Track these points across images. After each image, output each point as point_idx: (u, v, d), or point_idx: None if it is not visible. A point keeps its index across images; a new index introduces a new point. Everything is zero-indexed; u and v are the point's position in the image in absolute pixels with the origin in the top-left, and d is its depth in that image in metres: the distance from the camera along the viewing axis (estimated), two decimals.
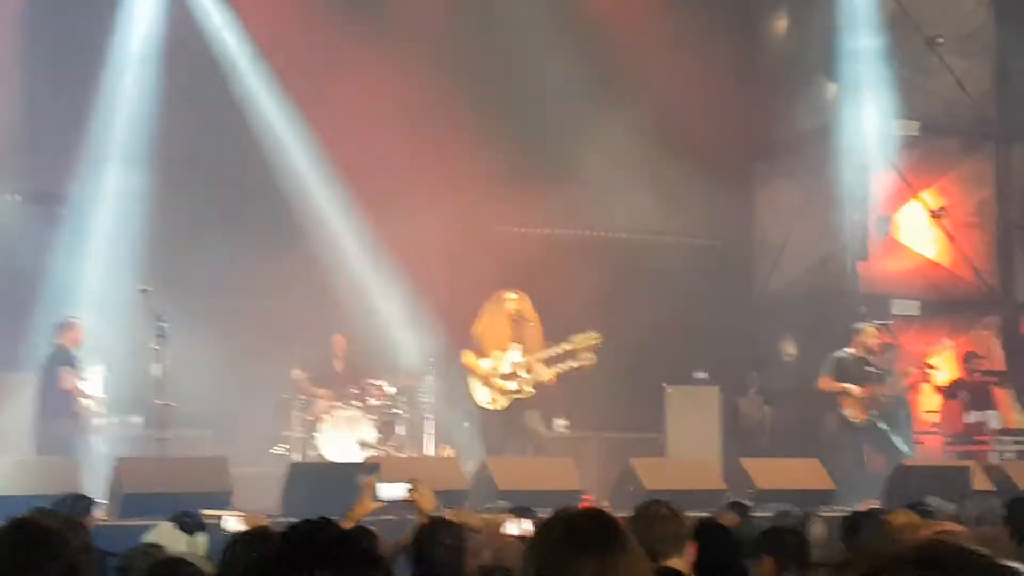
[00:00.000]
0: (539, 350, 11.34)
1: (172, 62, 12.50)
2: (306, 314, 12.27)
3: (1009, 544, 5.31)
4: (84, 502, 6.55)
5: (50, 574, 2.59)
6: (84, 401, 10.78)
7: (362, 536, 2.18)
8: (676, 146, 13.69)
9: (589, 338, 11.29)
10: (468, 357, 11.42)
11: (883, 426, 11.91)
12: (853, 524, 5.83)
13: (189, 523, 5.78)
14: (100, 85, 12.53)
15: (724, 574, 4.50)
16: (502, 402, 11.24)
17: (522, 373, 11.29)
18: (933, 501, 7.98)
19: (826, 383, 11.99)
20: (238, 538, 3.63)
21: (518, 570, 2.43)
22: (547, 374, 11.23)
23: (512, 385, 11.27)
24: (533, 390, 11.27)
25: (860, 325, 12.24)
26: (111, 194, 12.36)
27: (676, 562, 4.10)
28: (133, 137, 12.43)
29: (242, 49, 13.03)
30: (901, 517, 5.30)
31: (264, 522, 5.42)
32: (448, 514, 4.82)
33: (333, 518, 5.22)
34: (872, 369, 11.92)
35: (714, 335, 13.51)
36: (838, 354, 12.06)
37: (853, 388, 11.82)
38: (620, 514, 2.90)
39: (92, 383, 10.92)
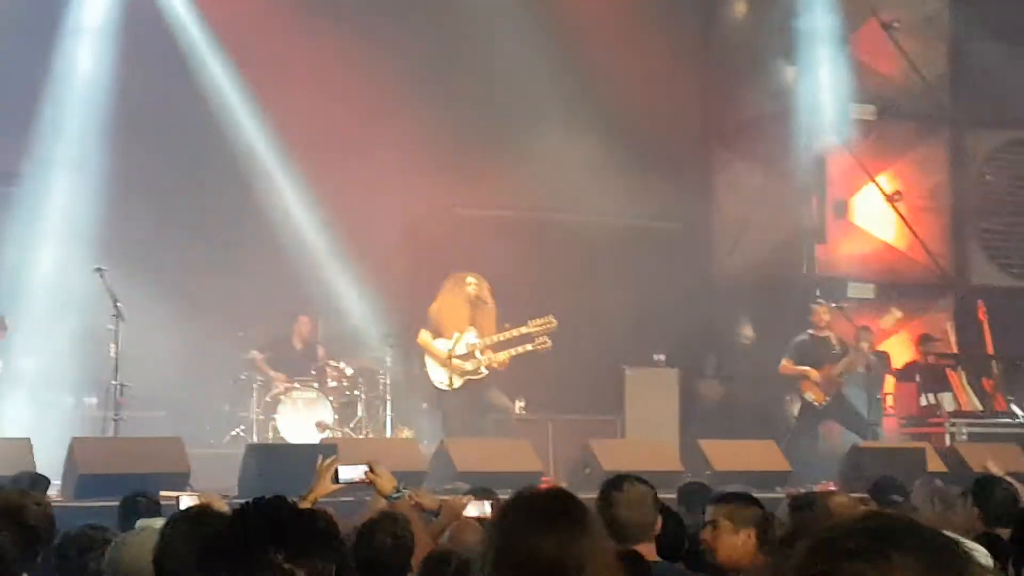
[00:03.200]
0: (493, 332, 11.42)
1: (128, 37, 12.35)
2: (264, 295, 12.21)
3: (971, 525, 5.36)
4: (40, 483, 6.49)
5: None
6: None
7: (318, 516, 2.16)
8: (635, 129, 13.70)
9: (545, 322, 11.37)
10: (423, 336, 11.46)
11: (849, 405, 12.03)
12: (798, 505, 5.86)
13: (143, 505, 5.74)
14: (54, 59, 12.36)
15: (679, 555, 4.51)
16: (457, 382, 11.28)
17: (478, 354, 11.34)
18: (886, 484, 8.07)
19: (786, 368, 12.09)
20: (178, 516, 3.58)
21: (477, 551, 2.42)
22: (502, 356, 11.30)
23: (468, 365, 11.32)
24: (486, 371, 11.34)
25: (812, 306, 12.32)
26: (66, 172, 12.20)
27: (645, 546, 4.08)
28: (88, 114, 12.27)
29: (199, 26, 12.89)
30: (840, 499, 5.34)
31: (221, 503, 5.38)
32: (407, 495, 4.81)
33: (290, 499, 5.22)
34: (835, 351, 12.02)
35: (672, 318, 13.56)
36: (799, 338, 12.15)
37: (811, 371, 11.92)
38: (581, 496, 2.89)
39: None
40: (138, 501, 5.82)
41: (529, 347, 11.38)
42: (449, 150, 12.83)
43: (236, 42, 12.84)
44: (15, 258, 11.81)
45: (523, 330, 11.40)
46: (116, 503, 6.13)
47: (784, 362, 12.10)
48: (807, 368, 11.92)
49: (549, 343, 11.36)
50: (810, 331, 12.16)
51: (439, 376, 11.33)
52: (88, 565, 4.26)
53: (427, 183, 13.03)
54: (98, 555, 4.27)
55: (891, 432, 13.05)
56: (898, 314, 12.25)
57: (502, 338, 11.42)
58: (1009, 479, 6.52)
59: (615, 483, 4.18)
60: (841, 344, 12.10)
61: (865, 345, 12.04)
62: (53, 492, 8.35)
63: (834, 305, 12.52)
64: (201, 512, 3.81)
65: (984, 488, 5.82)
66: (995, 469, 8.14)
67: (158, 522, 4.13)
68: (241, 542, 1.89)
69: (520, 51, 13.25)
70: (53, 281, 11.75)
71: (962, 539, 1.35)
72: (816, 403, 11.95)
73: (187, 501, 5.17)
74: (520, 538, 2.30)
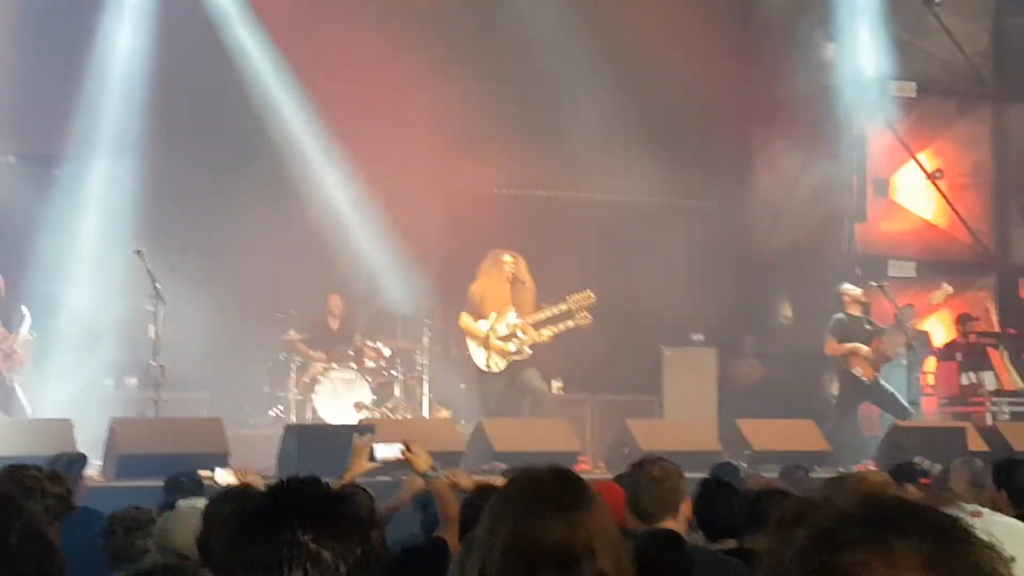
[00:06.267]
0: (533, 312, 11.39)
1: (166, 15, 12.39)
2: (302, 275, 12.24)
3: (998, 506, 5.30)
4: (79, 463, 6.55)
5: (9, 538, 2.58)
6: None
7: (351, 497, 2.12)
8: (674, 107, 13.61)
9: (584, 297, 11.34)
10: (465, 320, 11.43)
11: (888, 387, 11.90)
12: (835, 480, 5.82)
13: (186, 485, 5.79)
14: (95, 42, 12.41)
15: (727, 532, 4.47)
16: (501, 364, 11.27)
17: (520, 334, 11.32)
18: (922, 462, 8.01)
19: (832, 346, 11.92)
20: (220, 494, 3.61)
21: (480, 530, 2.30)
22: (544, 335, 11.28)
23: (511, 346, 11.30)
24: (530, 351, 11.32)
25: (843, 287, 12.14)
26: (105, 154, 12.28)
27: (671, 523, 4.09)
28: (127, 95, 12.32)
29: (237, 5, 12.90)
30: (875, 478, 5.28)
31: (257, 479, 5.42)
32: (443, 475, 4.81)
33: (327, 479, 5.23)
34: (870, 327, 11.90)
35: (711, 297, 13.49)
36: (837, 316, 12.03)
37: (861, 347, 11.76)
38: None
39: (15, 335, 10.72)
40: (181, 481, 5.87)
41: (571, 323, 11.36)
42: (486, 130, 12.80)
43: (274, 21, 12.85)
44: (56, 240, 11.90)
45: (563, 307, 11.38)
46: (156, 483, 6.18)
47: (829, 340, 11.93)
48: (858, 344, 11.76)
49: (590, 318, 11.33)
50: (847, 310, 12.02)
51: (481, 358, 11.31)
52: (135, 543, 4.33)
53: (465, 163, 13.01)
54: (144, 534, 4.34)
55: (931, 412, 12.94)
56: (949, 289, 12.12)
57: (543, 316, 11.40)
58: None
59: (639, 463, 4.31)
60: (873, 324, 11.97)
61: (910, 324, 11.91)
62: (94, 472, 8.45)
63: (874, 284, 12.40)
64: (242, 491, 3.86)
65: (1006, 470, 5.72)
66: None
67: (200, 502, 4.19)
68: (271, 521, 1.88)
69: (558, 30, 13.19)
70: (93, 262, 11.82)
71: (962, 515, 1.32)
72: (864, 379, 11.76)
73: (222, 475, 5.21)
74: (528, 521, 2.19)
